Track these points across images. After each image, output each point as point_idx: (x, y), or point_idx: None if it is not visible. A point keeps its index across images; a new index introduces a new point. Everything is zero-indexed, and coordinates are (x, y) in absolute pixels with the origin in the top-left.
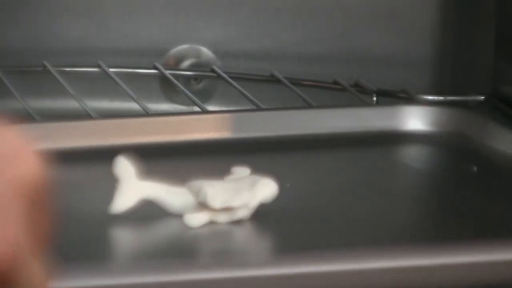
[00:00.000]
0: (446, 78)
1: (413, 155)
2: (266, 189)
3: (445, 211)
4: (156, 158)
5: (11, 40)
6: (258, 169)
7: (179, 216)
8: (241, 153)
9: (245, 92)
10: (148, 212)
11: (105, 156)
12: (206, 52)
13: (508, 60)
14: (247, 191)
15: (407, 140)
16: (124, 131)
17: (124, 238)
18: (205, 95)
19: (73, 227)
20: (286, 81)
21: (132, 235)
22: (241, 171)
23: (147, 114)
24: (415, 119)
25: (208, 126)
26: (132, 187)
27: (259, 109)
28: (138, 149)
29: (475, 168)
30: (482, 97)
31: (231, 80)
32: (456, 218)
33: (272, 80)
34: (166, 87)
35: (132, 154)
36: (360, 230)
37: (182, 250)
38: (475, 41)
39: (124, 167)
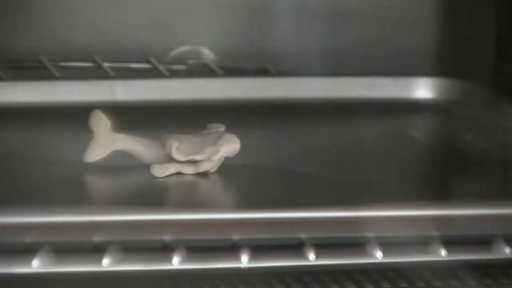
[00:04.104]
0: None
1: (418, 121)
2: (228, 144)
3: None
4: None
5: (10, 40)
6: (271, 129)
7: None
8: (253, 113)
9: None
10: (122, 162)
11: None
12: (207, 53)
13: (508, 61)
14: (211, 145)
15: (415, 107)
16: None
17: (97, 184)
18: None
19: (51, 173)
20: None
21: (104, 182)
22: (215, 127)
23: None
24: (424, 89)
25: (215, 88)
26: (106, 138)
27: (275, 74)
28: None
29: (470, 136)
30: None
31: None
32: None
33: (265, 73)
34: None
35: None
36: (327, 187)
37: (148, 196)
38: (475, 43)
39: (100, 120)
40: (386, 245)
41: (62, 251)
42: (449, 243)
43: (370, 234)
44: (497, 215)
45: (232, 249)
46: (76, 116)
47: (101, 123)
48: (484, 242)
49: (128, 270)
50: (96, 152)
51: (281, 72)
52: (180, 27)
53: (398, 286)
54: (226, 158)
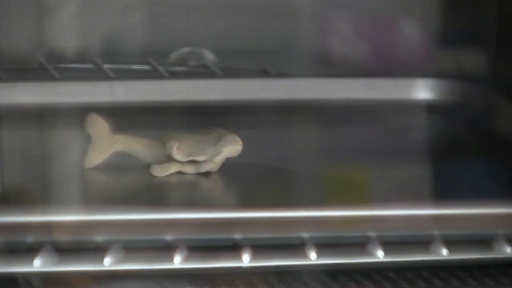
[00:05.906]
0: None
1: (418, 121)
2: (230, 145)
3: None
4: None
5: (10, 42)
6: (271, 129)
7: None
8: (252, 114)
9: None
10: (122, 161)
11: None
12: (207, 54)
13: (508, 61)
14: (212, 146)
15: (415, 108)
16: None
17: (98, 184)
18: None
19: (51, 173)
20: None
21: (105, 182)
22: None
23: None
24: (424, 90)
25: (213, 89)
26: (105, 141)
27: (274, 75)
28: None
29: (469, 136)
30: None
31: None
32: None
33: (264, 74)
34: None
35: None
36: (328, 186)
37: (149, 195)
38: (475, 43)
39: (97, 123)
40: (387, 245)
41: (64, 250)
42: (450, 242)
43: (371, 233)
44: (498, 215)
45: (234, 249)
46: (76, 117)
47: (98, 126)
48: (485, 241)
49: (129, 269)
50: (96, 157)
51: (281, 73)
52: (180, 29)
53: (399, 286)
54: (227, 158)
